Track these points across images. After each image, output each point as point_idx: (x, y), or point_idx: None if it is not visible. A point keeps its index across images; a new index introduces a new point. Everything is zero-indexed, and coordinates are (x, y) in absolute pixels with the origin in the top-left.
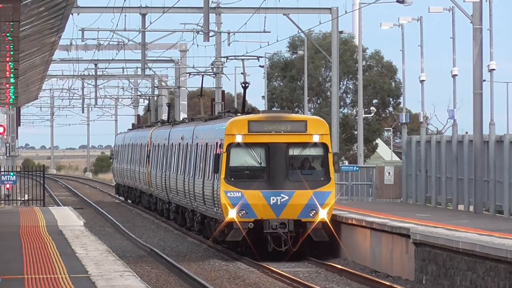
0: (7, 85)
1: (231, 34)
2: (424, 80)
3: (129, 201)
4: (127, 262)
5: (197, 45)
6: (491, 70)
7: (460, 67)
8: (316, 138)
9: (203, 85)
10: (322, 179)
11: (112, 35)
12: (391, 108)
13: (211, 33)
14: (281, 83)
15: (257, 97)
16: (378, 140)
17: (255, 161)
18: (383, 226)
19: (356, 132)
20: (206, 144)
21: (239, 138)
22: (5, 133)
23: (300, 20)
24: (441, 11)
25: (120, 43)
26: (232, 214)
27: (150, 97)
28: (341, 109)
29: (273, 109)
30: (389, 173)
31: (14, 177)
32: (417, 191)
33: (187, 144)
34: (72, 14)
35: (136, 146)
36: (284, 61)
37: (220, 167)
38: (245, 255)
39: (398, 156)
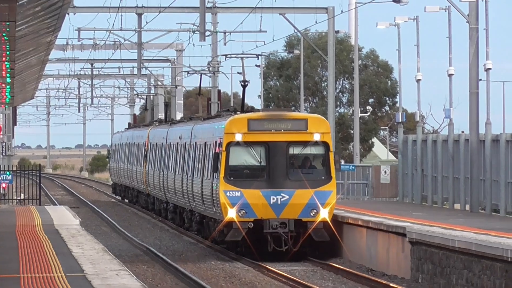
0: (3, 85)
1: (227, 33)
2: (420, 80)
3: (126, 201)
4: (123, 261)
5: (193, 45)
6: (487, 70)
7: (456, 66)
8: (317, 137)
9: (200, 85)
10: (323, 178)
11: (108, 35)
12: (387, 108)
13: (207, 33)
14: (277, 83)
15: (253, 97)
16: (374, 140)
17: (255, 160)
18: (379, 225)
19: (352, 132)
20: (205, 143)
21: (238, 137)
22: (1, 133)
23: (296, 19)
24: (437, 10)
25: (116, 42)
26: (231, 214)
27: (147, 97)
28: (337, 109)
29: (269, 108)
30: (385, 172)
31: (10, 176)
32: (413, 190)
33: (185, 143)
34: (68, 14)
35: (134, 145)
36: (280, 60)
37: (219, 166)
38: (245, 255)
39: (394, 155)
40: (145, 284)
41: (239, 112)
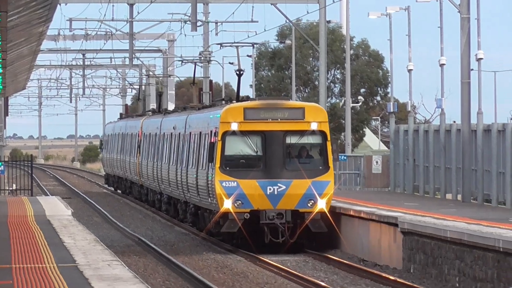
0: None
1: (218, 24)
2: (411, 70)
3: (119, 191)
4: (115, 251)
5: (185, 35)
6: (478, 60)
7: (448, 56)
8: (314, 126)
9: (191, 75)
10: (320, 167)
11: (100, 25)
12: (378, 98)
13: (198, 23)
14: (269, 73)
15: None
16: (366, 130)
17: (251, 150)
18: (371, 215)
19: (344, 122)
20: (200, 132)
21: (234, 126)
22: None
23: (288, 9)
24: (429, 0)
25: (108, 33)
26: (227, 204)
27: (140, 87)
28: (329, 99)
29: (266, 96)
30: (377, 162)
31: (2, 166)
32: (405, 180)
33: (179, 133)
34: (59, 4)
35: (127, 135)
36: (272, 50)
37: (215, 156)
38: (241, 247)
39: (386, 145)
40: (137, 275)
41: (234, 101)
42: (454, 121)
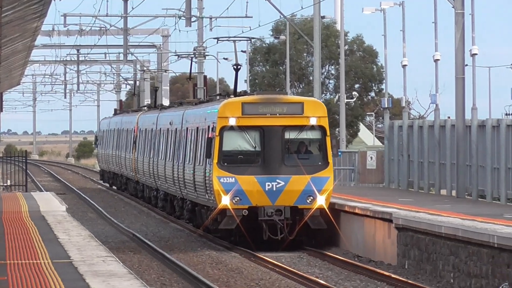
0: None
1: (213, 19)
2: (406, 65)
3: (115, 187)
4: (110, 247)
5: (179, 31)
6: (473, 55)
7: (442, 52)
8: (313, 121)
9: (185, 70)
10: (319, 163)
11: (94, 21)
12: (373, 93)
13: (193, 19)
14: (264, 68)
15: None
16: (360, 125)
17: (249, 145)
18: (365, 210)
19: (338, 117)
20: (197, 128)
21: (232, 121)
22: None
23: (282, 5)
24: None
25: (102, 28)
26: (225, 201)
27: (135, 82)
28: (323, 95)
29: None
30: (371, 157)
31: None
32: (400, 175)
33: (176, 128)
34: (54, 0)
35: (122, 131)
36: (266, 46)
37: (212, 152)
38: (239, 244)
39: (380, 141)
40: (131, 271)
41: (232, 96)
42: (449, 117)
